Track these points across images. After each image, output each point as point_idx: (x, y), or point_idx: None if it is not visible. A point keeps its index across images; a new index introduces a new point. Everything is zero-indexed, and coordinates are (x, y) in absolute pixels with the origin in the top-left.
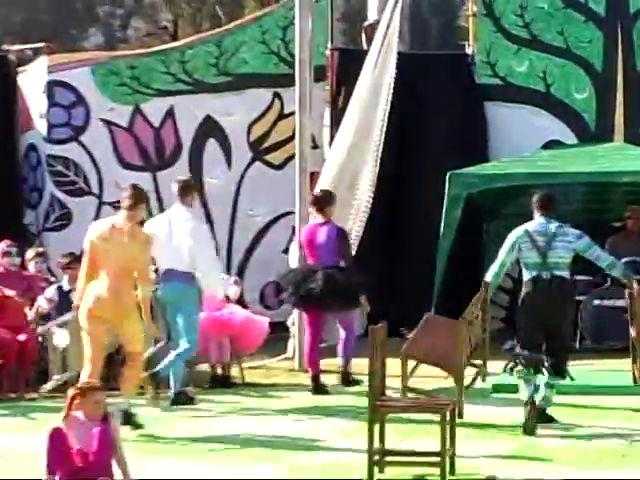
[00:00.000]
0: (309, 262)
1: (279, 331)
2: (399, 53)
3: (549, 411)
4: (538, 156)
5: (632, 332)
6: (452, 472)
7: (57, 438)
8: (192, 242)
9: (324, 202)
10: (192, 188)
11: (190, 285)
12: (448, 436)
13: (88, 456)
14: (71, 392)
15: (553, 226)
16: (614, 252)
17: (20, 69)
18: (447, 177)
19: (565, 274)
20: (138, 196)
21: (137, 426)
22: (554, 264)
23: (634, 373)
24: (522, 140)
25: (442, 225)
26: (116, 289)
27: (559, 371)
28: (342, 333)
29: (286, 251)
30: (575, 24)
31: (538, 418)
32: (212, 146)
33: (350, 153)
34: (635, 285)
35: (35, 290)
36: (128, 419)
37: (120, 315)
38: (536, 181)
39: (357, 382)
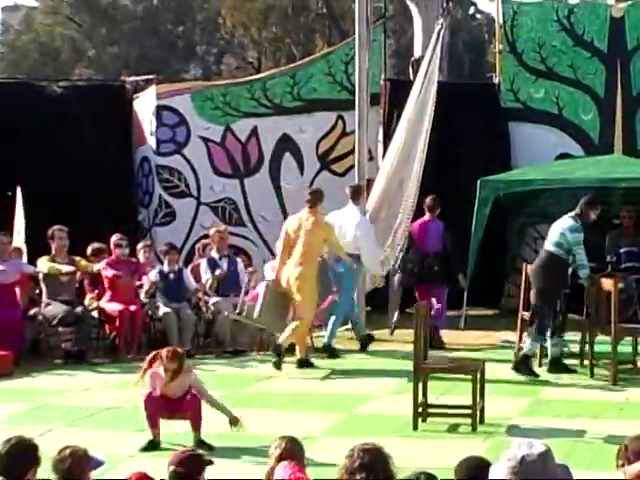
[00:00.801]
0: (419, 249)
1: None
2: (439, 82)
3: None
4: (552, 165)
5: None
6: (482, 422)
7: (149, 400)
8: (359, 233)
9: (436, 205)
10: (361, 191)
11: (353, 265)
12: (478, 393)
13: (178, 403)
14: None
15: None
16: (614, 243)
17: (135, 96)
18: (478, 183)
19: (554, 250)
20: (316, 196)
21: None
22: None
23: None
24: (539, 153)
25: (474, 222)
26: (301, 264)
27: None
28: (436, 306)
29: None
30: (582, 59)
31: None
32: (287, 158)
33: (399, 163)
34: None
35: (142, 273)
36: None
37: (297, 284)
38: (550, 185)
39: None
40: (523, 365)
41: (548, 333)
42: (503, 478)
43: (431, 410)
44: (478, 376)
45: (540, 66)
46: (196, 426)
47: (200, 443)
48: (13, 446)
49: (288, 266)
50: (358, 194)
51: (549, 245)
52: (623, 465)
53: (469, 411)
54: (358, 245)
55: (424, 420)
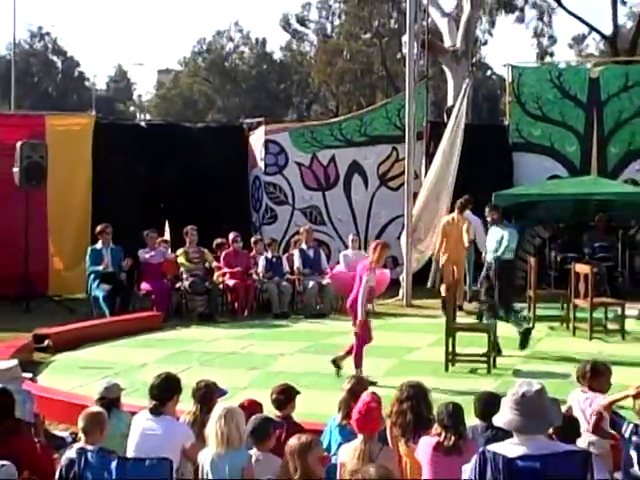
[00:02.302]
0: None
1: (395, 284)
2: (465, 124)
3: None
4: (545, 184)
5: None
6: (494, 366)
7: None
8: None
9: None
10: (469, 203)
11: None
12: (492, 346)
13: None
14: None
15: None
16: (590, 241)
17: (250, 133)
18: (493, 195)
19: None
20: (466, 203)
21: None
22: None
23: None
24: (536, 174)
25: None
26: (453, 250)
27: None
28: None
29: (398, 238)
30: (568, 108)
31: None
32: (356, 177)
33: (436, 181)
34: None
35: (253, 260)
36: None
37: (456, 262)
38: (544, 198)
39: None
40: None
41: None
42: (509, 407)
43: (457, 358)
44: (492, 334)
45: (538, 112)
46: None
47: None
48: (163, 379)
49: (448, 250)
50: (467, 204)
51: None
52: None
53: (485, 359)
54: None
55: (452, 365)
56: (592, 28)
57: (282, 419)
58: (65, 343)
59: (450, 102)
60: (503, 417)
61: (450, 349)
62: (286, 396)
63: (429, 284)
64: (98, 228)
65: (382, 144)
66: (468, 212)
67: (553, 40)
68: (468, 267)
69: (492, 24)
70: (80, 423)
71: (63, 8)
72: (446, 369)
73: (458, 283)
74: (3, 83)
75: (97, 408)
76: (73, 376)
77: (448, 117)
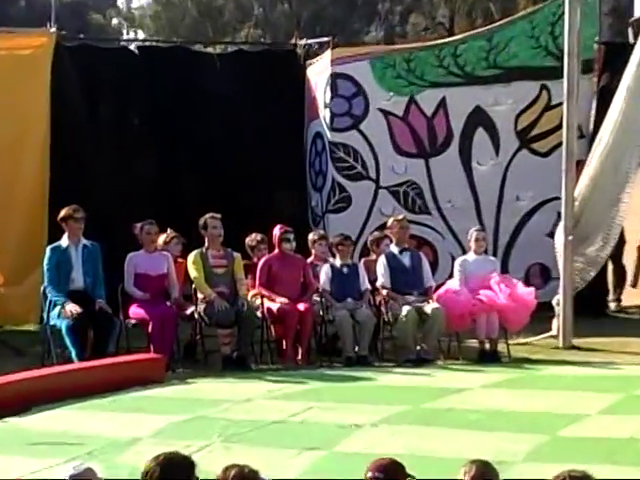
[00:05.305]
0: None
1: (544, 310)
2: None
3: None
4: None
5: None
6: None
7: None
8: None
9: None
10: None
11: None
12: None
13: None
14: None
15: None
16: None
17: (307, 62)
18: None
19: None
20: None
21: None
22: None
23: None
24: None
25: None
26: None
27: None
28: None
29: (551, 235)
30: None
31: None
32: (480, 135)
33: (615, 143)
34: None
35: (312, 271)
36: None
37: None
38: None
39: None
40: None
41: None
42: None
43: None
44: None
45: None
46: None
47: None
48: (164, 464)
49: None
50: None
51: None
52: None
53: None
54: None
55: None
56: None
57: None
58: (7, 404)
59: (639, 12)
60: None
61: None
62: (392, 476)
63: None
64: (63, 212)
65: (524, 80)
66: None
67: None
68: None
69: None
70: None
71: None
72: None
73: None
74: None
75: None
76: (20, 457)
77: (635, 37)
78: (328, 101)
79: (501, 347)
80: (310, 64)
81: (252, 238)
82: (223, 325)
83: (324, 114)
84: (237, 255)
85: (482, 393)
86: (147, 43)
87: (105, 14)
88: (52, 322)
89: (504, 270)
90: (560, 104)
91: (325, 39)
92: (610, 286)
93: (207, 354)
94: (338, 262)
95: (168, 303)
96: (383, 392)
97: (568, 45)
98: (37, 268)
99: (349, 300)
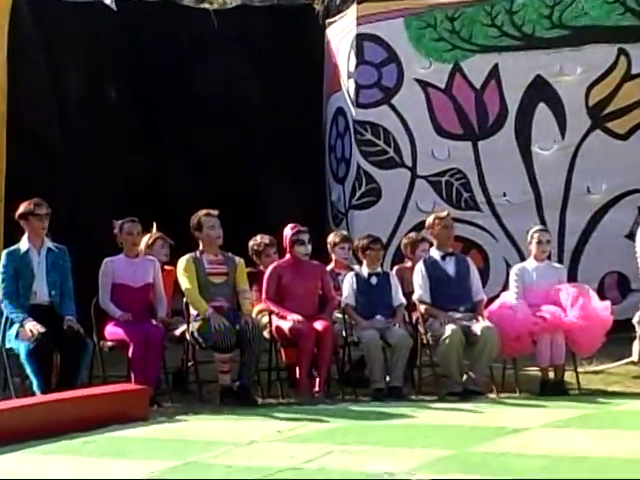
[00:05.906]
0: None
1: (621, 330)
2: None
3: None
4: None
5: None
6: None
7: None
8: None
9: None
10: None
11: None
12: None
13: None
14: None
15: None
16: None
17: (327, 21)
18: None
19: None
20: None
21: None
22: None
23: None
24: None
25: None
26: None
27: None
28: None
29: (630, 236)
30: None
31: None
32: (543, 111)
33: None
34: None
35: (332, 280)
36: None
37: None
38: None
39: None
40: None
41: None
42: None
43: None
44: None
45: None
46: None
47: None
48: None
49: None
50: None
51: None
52: None
53: None
54: None
55: None
56: None
57: None
58: None
59: None
60: None
61: None
62: None
63: None
64: (22, 208)
65: (597, 43)
66: None
67: None
68: None
69: None
70: None
71: None
72: None
73: None
74: None
75: None
76: None
77: None
78: (352, 69)
79: (569, 376)
80: (330, 23)
81: (258, 241)
82: (222, 349)
83: (347, 86)
84: (239, 261)
85: (544, 434)
86: None
87: None
88: (9, 345)
89: (571, 280)
90: None
91: None
92: None
93: (201, 385)
94: (365, 270)
95: (154, 321)
96: (420, 432)
97: None
98: None
99: (378, 317)
